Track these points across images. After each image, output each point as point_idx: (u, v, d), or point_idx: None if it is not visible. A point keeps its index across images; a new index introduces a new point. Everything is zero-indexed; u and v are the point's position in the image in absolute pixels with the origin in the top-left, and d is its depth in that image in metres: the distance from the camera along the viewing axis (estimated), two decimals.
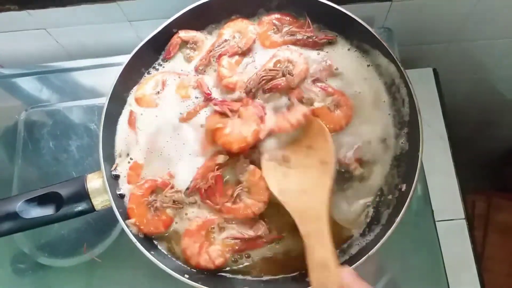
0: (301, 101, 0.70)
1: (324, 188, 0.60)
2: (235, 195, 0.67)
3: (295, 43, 0.75)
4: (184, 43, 0.77)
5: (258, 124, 0.67)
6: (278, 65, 0.72)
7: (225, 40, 0.76)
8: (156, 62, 0.78)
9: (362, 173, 0.69)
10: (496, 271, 1.24)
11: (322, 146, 0.65)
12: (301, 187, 0.63)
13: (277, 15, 0.77)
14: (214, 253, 0.66)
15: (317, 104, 0.71)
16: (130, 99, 0.75)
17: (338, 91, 0.72)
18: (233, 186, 0.68)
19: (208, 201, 0.68)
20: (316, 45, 0.75)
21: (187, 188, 0.68)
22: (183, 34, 0.77)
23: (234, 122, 0.68)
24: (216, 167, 0.67)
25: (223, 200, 0.67)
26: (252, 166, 0.67)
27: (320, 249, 0.53)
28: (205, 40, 0.78)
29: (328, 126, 0.68)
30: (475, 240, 0.90)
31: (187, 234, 0.67)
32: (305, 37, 0.75)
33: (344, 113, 0.70)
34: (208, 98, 0.72)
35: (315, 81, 0.73)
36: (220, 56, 0.74)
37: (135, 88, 0.76)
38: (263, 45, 0.76)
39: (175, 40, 0.77)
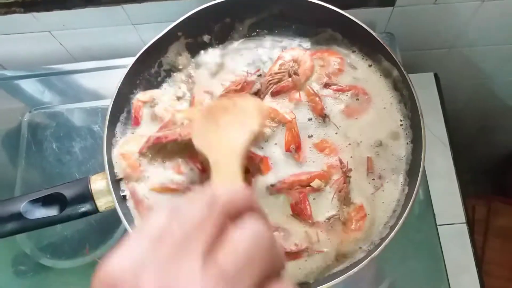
0: (323, 117, 0.71)
1: (246, 133, 0.56)
2: (331, 221, 0.66)
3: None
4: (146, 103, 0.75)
5: None
6: (283, 67, 0.72)
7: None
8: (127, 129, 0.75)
9: None
10: (497, 276, 1.25)
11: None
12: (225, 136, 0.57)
13: None
14: None
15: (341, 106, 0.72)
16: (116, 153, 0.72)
17: (353, 86, 0.73)
18: None
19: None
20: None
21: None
22: (141, 96, 0.75)
23: None
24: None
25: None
26: (359, 202, 0.67)
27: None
28: (162, 96, 0.76)
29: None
30: (476, 244, 0.90)
31: None
32: None
33: (366, 102, 0.72)
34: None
35: (326, 85, 0.74)
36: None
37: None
38: None
39: (137, 104, 0.75)
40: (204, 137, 0.57)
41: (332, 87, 0.73)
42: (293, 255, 0.65)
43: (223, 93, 0.74)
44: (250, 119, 0.58)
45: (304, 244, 0.65)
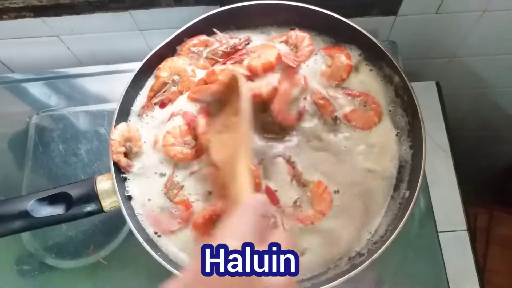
0: (333, 119, 0.73)
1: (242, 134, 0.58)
2: (298, 204, 0.68)
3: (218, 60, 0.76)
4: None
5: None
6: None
7: (165, 83, 0.75)
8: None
9: None
10: (498, 284, 1.24)
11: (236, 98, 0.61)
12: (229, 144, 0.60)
13: (193, 41, 0.77)
14: None
15: (348, 109, 0.73)
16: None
17: (363, 93, 0.74)
18: None
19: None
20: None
21: None
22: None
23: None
24: None
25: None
26: (316, 180, 0.69)
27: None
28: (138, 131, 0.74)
29: (363, 125, 0.72)
30: (477, 252, 0.90)
31: None
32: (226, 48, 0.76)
33: (375, 110, 0.73)
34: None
35: (338, 85, 0.75)
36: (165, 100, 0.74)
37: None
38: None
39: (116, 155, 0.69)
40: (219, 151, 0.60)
41: (345, 90, 0.75)
42: None
43: (208, 55, 0.76)
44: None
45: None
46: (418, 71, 1.11)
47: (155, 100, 0.75)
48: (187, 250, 0.69)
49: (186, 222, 0.69)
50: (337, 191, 0.70)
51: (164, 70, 0.76)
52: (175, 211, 0.68)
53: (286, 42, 0.77)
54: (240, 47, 0.76)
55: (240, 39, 0.77)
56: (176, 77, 0.76)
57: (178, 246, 0.69)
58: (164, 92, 0.75)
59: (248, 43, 0.77)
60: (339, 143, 0.72)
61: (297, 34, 0.77)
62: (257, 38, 0.79)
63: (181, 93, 0.75)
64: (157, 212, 0.69)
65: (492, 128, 1.41)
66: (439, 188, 0.90)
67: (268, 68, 0.69)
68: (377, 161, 0.72)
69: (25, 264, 0.83)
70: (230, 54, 0.75)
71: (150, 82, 0.78)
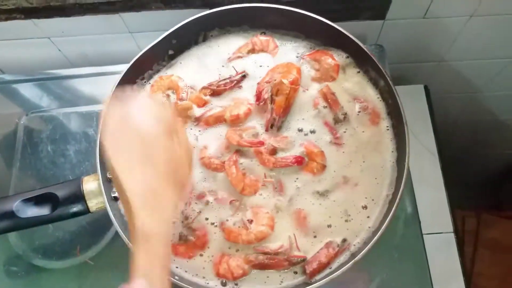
0: (343, 115, 0.74)
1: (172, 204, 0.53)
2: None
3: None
4: None
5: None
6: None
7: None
8: None
9: None
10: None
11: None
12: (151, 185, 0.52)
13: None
14: (233, 264, 0.67)
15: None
16: None
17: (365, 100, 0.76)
18: None
19: None
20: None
21: None
22: None
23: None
24: None
25: None
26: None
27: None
28: None
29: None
30: (464, 255, 0.91)
31: None
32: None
33: (374, 113, 0.75)
34: None
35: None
36: None
37: None
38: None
39: None
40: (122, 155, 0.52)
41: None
42: (273, 263, 0.67)
43: (206, 85, 0.77)
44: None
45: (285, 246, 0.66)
46: (407, 75, 1.12)
47: None
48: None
49: None
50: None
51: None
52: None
53: (253, 50, 0.79)
54: (235, 78, 0.77)
55: (237, 72, 0.78)
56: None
57: None
58: None
59: (245, 76, 0.78)
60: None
61: (261, 39, 0.80)
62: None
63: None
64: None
65: (482, 132, 1.42)
66: (425, 190, 0.91)
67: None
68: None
69: (12, 265, 0.83)
70: (220, 91, 0.77)
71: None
